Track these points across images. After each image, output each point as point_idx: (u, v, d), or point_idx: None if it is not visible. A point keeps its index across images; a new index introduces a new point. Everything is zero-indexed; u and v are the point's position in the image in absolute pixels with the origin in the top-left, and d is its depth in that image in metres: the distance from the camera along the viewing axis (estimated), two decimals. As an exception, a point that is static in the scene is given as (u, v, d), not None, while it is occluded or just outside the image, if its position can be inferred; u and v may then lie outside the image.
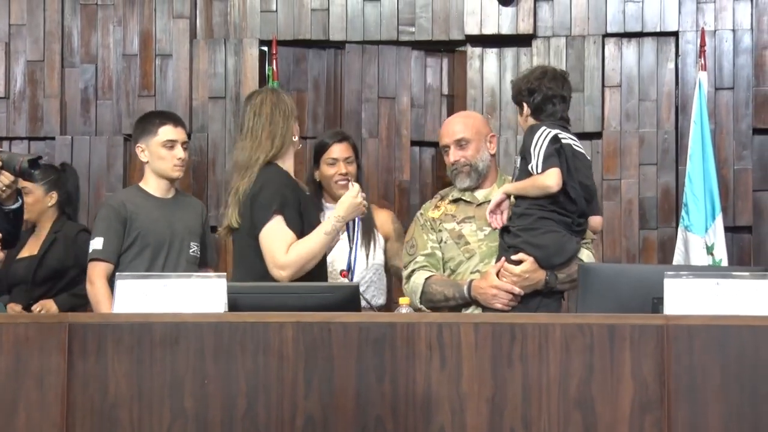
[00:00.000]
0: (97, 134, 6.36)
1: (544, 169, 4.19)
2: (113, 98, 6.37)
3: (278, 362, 3.10)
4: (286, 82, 6.40)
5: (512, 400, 3.04)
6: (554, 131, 4.24)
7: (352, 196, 4.32)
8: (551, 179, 4.18)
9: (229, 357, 3.11)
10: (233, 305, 3.31)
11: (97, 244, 4.76)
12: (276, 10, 6.40)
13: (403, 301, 3.81)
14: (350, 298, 3.56)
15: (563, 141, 4.24)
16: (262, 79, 6.36)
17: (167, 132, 4.85)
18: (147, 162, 4.90)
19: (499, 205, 4.32)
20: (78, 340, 3.14)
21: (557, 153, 4.20)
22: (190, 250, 4.89)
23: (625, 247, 6.18)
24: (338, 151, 5.07)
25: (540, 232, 4.26)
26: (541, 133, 4.23)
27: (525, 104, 4.39)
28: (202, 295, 3.27)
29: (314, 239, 4.22)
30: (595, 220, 4.45)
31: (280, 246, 4.16)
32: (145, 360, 3.12)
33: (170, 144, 4.84)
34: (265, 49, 6.36)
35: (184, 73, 6.36)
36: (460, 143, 4.56)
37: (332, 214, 4.31)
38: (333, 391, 3.08)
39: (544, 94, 4.36)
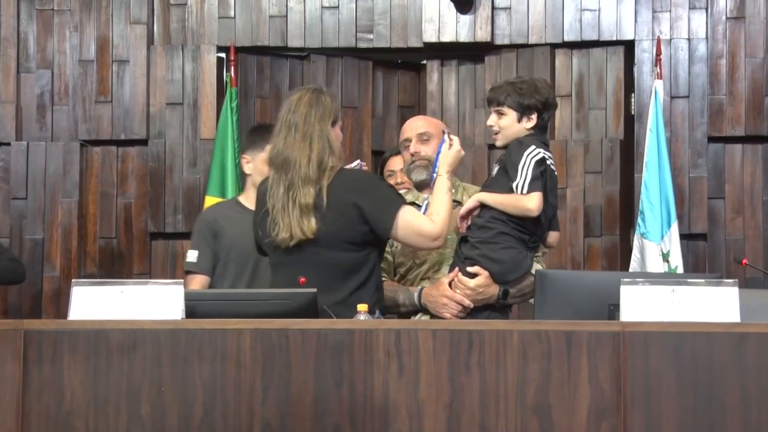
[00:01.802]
0: (53, 140, 6.32)
1: (528, 192, 4.19)
2: (69, 104, 6.34)
3: (236, 369, 3.09)
4: (249, 90, 6.40)
5: (470, 406, 3.05)
6: (542, 152, 4.24)
7: (456, 149, 4.27)
8: (533, 203, 4.17)
9: (186, 364, 3.09)
10: (191, 312, 3.30)
11: (191, 256, 4.83)
12: (234, 17, 6.40)
13: (361, 307, 3.80)
14: (308, 305, 3.55)
15: (548, 163, 4.25)
16: (221, 86, 6.35)
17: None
18: (249, 174, 4.88)
19: (471, 212, 4.31)
20: (33, 347, 3.11)
21: (541, 176, 4.21)
22: None
23: (570, 255, 6.22)
24: (395, 163, 5.08)
25: (499, 246, 4.24)
26: (531, 152, 4.21)
27: (536, 114, 4.34)
28: (159, 302, 3.25)
29: (444, 200, 4.15)
30: (553, 236, 4.46)
31: (424, 221, 4.09)
32: (101, 367, 3.10)
33: None
34: (223, 55, 6.35)
35: (141, 79, 6.34)
36: (422, 137, 4.55)
37: (441, 171, 4.23)
38: (290, 399, 3.07)
39: (553, 109, 4.39)
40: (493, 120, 4.38)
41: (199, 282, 4.79)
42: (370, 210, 4.03)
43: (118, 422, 3.08)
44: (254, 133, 4.97)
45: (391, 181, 4.96)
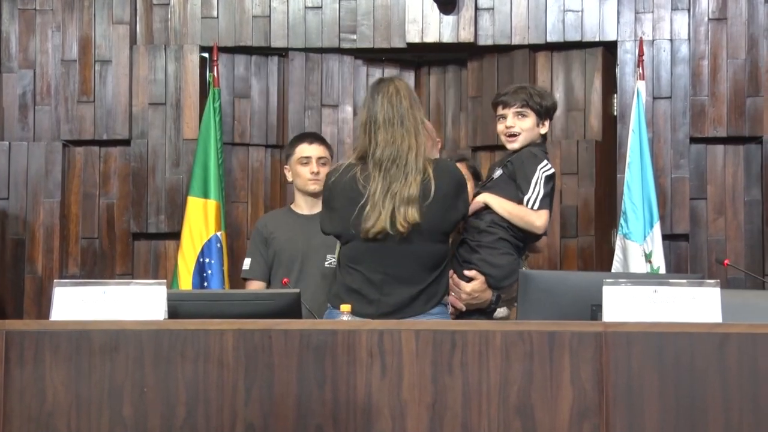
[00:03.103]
0: (35, 140, 6.30)
1: (539, 208, 4.21)
2: (52, 104, 6.32)
3: (218, 370, 3.08)
4: (231, 89, 6.39)
5: (452, 407, 3.05)
6: (552, 168, 4.27)
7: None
8: (541, 221, 4.21)
9: (168, 365, 3.09)
10: (173, 313, 3.30)
11: (245, 264, 5.22)
12: (217, 17, 6.38)
13: (344, 308, 3.81)
14: (291, 305, 3.55)
15: (554, 180, 4.30)
16: (203, 86, 6.34)
17: (302, 149, 5.21)
18: (291, 182, 5.28)
19: (476, 212, 4.32)
20: (15, 347, 3.10)
21: (551, 193, 4.25)
22: (326, 263, 5.01)
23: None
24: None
25: (499, 252, 4.25)
26: (543, 167, 4.24)
27: (549, 121, 4.40)
28: (142, 302, 3.25)
29: None
30: (543, 240, 4.50)
31: None
32: (83, 368, 3.09)
33: (305, 160, 5.19)
34: (206, 55, 6.34)
35: (124, 79, 6.32)
36: None
37: None
38: (273, 399, 3.07)
39: None
40: (513, 121, 4.35)
41: (255, 287, 5.11)
42: (463, 198, 4.15)
43: (101, 423, 3.07)
44: (287, 146, 5.39)
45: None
